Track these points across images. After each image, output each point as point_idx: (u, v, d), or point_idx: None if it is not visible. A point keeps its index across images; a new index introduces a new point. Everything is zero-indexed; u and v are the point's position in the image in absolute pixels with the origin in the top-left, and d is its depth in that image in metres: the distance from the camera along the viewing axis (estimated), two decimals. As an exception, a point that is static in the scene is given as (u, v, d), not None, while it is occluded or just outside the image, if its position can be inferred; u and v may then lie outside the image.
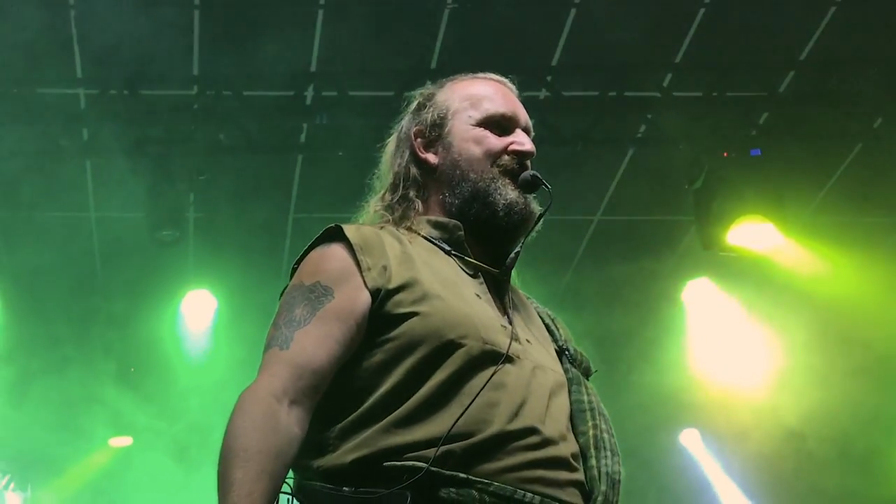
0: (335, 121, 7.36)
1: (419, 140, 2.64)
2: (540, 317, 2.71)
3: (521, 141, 2.62)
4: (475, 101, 2.66)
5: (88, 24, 6.88)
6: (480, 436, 2.34)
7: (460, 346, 2.40)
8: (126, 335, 8.48)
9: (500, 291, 2.61)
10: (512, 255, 2.60)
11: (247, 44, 6.90)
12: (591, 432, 2.52)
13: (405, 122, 2.70)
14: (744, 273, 8.06)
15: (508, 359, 2.43)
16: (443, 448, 2.32)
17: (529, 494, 2.33)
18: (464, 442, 2.33)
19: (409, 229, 2.59)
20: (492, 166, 2.59)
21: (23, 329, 8.60)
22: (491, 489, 2.31)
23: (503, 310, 2.57)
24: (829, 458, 8.57)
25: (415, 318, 2.41)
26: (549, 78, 7.07)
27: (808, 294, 7.93)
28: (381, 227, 2.56)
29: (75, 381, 8.48)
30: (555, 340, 2.66)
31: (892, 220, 8.06)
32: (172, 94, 7.32)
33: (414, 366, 2.39)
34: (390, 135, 2.74)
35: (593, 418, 2.54)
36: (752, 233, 7.26)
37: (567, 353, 2.64)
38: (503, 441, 2.36)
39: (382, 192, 2.65)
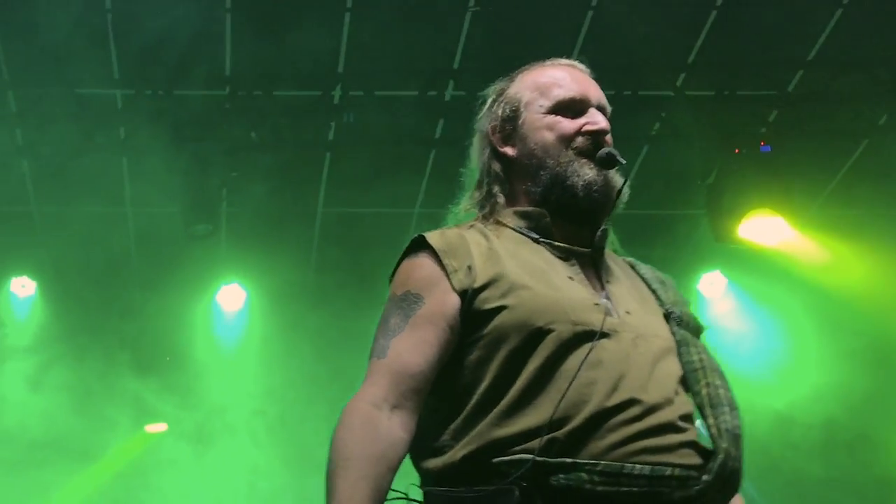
0: (362, 119, 7.42)
1: (496, 135, 2.63)
2: (647, 282, 2.67)
3: (594, 120, 2.59)
4: (544, 89, 2.64)
5: (124, 27, 6.92)
6: (580, 418, 2.33)
7: (549, 331, 2.39)
8: (160, 326, 8.50)
9: (596, 268, 2.59)
10: (599, 232, 2.57)
11: (276, 46, 6.96)
12: (703, 391, 2.46)
13: (483, 120, 2.69)
14: (754, 265, 8.10)
15: (604, 335, 2.40)
16: (546, 436, 2.32)
17: (639, 466, 2.31)
18: (566, 427, 2.33)
19: (498, 223, 2.59)
20: (567, 149, 2.56)
21: (58, 319, 8.69)
22: (599, 468, 2.29)
23: (601, 286, 2.55)
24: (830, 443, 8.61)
25: (503, 312, 2.41)
26: (566, 77, 7.24)
27: (815, 284, 8.00)
28: (470, 227, 2.59)
29: (110, 370, 8.52)
30: (662, 304, 2.60)
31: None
32: (205, 94, 7.40)
33: (508, 358, 2.39)
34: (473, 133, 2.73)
35: (705, 377, 2.48)
36: (762, 226, 7.33)
37: (673, 315, 2.57)
38: (603, 419, 2.34)
39: (471, 190, 2.67)
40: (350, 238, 8.54)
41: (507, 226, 2.57)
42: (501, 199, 2.60)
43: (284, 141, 7.50)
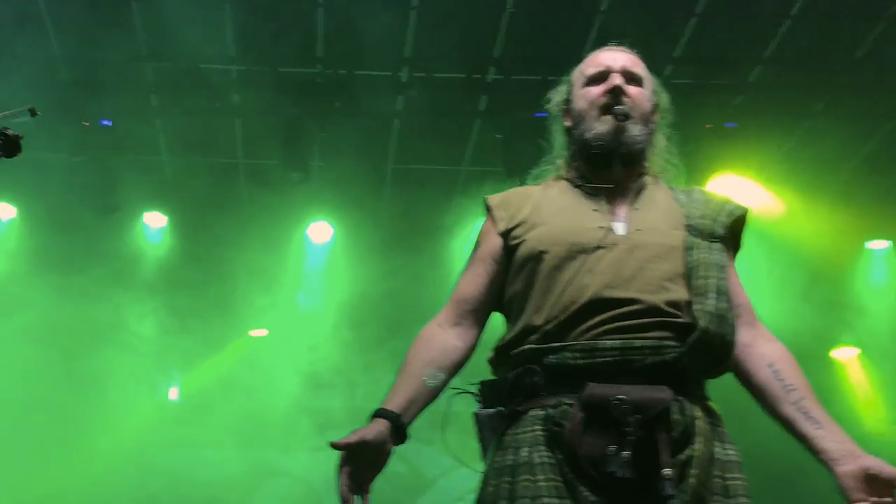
0: (423, 94, 7.61)
1: (562, 112, 2.85)
2: (681, 204, 2.70)
3: (610, 81, 2.72)
4: (583, 70, 2.83)
5: (242, 15, 7.15)
6: (567, 312, 2.49)
7: (548, 252, 2.57)
8: (264, 252, 8.75)
9: (627, 198, 2.68)
10: (620, 170, 2.66)
11: (357, 34, 7.10)
12: (696, 283, 2.52)
13: (556, 102, 2.89)
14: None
15: (600, 248, 2.53)
16: (543, 329, 2.50)
17: (609, 342, 2.43)
18: (555, 321, 2.50)
19: (560, 177, 2.81)
20: (594, 110, 2.71)
21: (183, 245, 8.99)
22: (577, 347, 2.44)
23: (625, 211, 2.65)
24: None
25: (524, 244, 2.64)
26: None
27: (770, 233, 8.24)
28: (545, 182, 2.81)
29: (225, 285, 8.84)
30: (688, 219, 2.65)
31: (830, 172, 8.33)
32: (302, 71, 7.61)
33: (525, 276, 2.61)
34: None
35: (699, 272, 2.53)
36: (728, 184, 7.75)
37: (690, 226, 2.63)
38: (585, 310, 2.48)
39: (553, 154, 2.88)
40: (413, 187, 8.88)
41: (564, 178, 2.79)
42: (561, 160, 2.82)
43: (362, 110, 7.67)
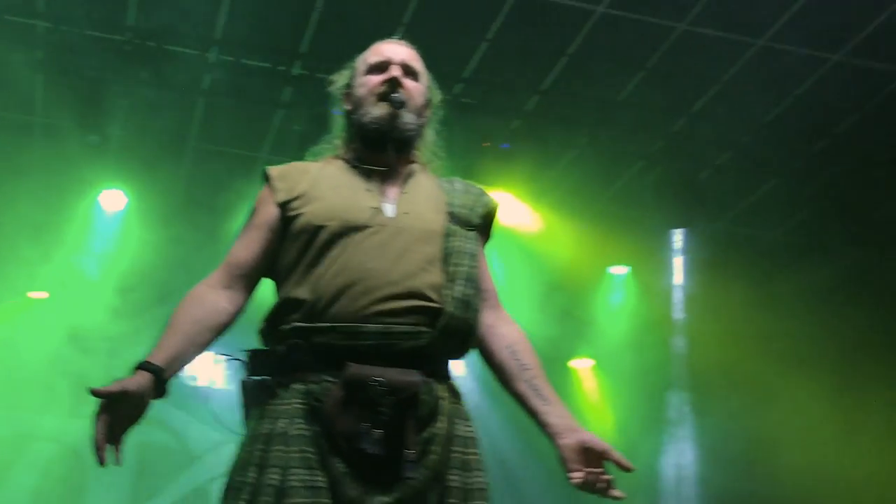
0: (229, 78, 7.68)
1: (343, 96, 2.90)
2: (446, 192, 2.79)
3: (390, 72, 2.79)
4: (365, 59, 2.89)
5: None
6: (332, 291, 2.51)
7: (323, 227, 2.59)
8: (50, 213, 8.59)
9: (397, 181, 2.75)
10: (392, 154, 2.75)
11: (171, 8, 7.12)
12: (450, 269, 2.61)
13: (339, 88, 2.94)
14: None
15: (368, 228, 2.58)
16: (310, 305, 2.52)
17: (372, 326, 2.47)
18: (322, 299, 2.51)
19: (338, 157, 2.85)
20: (371, 97, 2.78)
21: None
22: (342, 329, 2.48)
23: (395, 194, 2.71)
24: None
25: (300, 217, 2.64)
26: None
27: (530, 248, 8.74)
28: (324, 160, 2.84)
29: (6, 244, 8.58)
30: (451, 207, 2.74)
31: (586, 200, 8.79)
32: (110, 37, 7.47)
33: (298, 248, 2.62)
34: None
35: (454, 258, 2.63)
36: (497, 199, 8.16)
37: (452, 214, 2.73)
38: (350, 291, 2.51)
39: (332, 134, 2.93)
40: (210, 167, 8.92)
41: (341, 158, 2.83)
42: (339, 141, 2.87)
43: (168, 84, 7.59)
